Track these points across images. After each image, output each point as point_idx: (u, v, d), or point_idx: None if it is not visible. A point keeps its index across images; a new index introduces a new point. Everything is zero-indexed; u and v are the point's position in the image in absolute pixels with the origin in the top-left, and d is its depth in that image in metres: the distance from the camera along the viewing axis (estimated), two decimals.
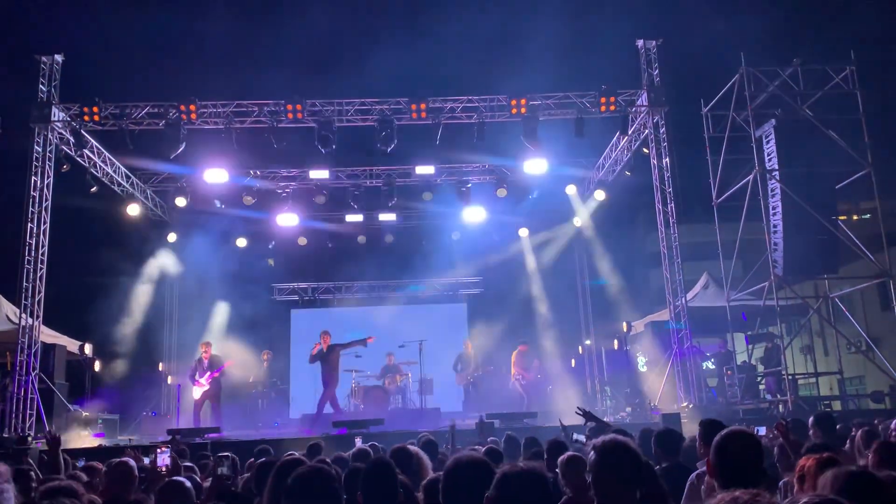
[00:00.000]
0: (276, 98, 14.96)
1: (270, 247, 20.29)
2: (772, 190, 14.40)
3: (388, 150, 15.04)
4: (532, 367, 17.06)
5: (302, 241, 19.98)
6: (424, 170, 17.20)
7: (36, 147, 14.53)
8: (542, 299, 20.45)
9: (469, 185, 18.17)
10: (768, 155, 14.46)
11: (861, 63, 14.71)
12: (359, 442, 9.06)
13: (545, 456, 5.44)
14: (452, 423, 9.34)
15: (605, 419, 6.50)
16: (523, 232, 20.79)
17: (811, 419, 6.45)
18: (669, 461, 5.09)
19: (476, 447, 6.31)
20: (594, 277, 21.00)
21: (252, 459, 6.84)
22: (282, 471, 3.68)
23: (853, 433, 6.10)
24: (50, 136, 14.71)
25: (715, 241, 15.86)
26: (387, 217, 19.26)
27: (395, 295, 22.30)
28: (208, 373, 14.67)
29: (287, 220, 18.99)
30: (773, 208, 14.34)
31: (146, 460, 7.14)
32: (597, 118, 15.31)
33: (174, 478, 4.12)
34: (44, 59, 14.71)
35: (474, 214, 19.44)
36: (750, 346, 16.37)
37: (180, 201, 17.49)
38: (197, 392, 14.77)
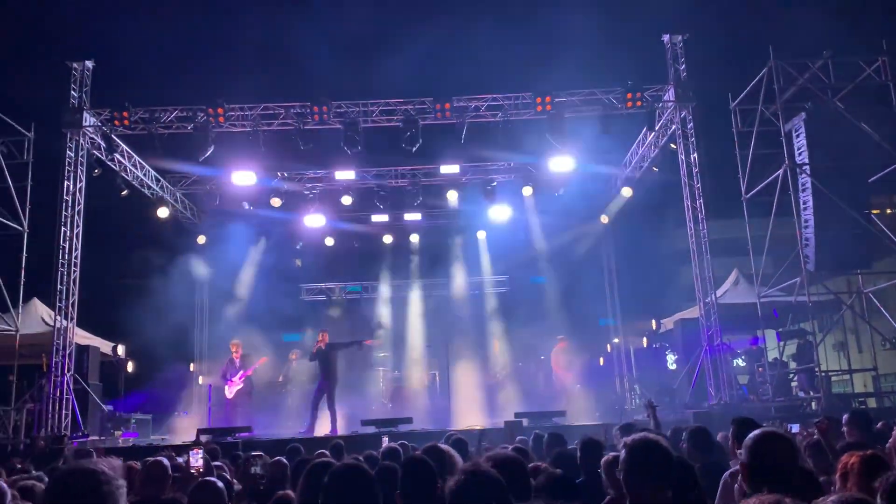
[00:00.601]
0: (302, 100, 15.07)
1: (298, 247, 20.44)
2: (802, 184, 14.18)
3: (414, 149, 15.08)
4: (571, 365, 16.73)
5: (329, 241, 20.11)
6: (449, 169, 17.20)
7: (68, 152, 14.79)
8: (570, 298, 20.32)
9: (494, 184, 18.14)
10: (798, 149, 14.24)
11: (894, 54, 14.42)
12: (386, 441, 9.10)
13: (578, 454, 5.41)
14: (481, 427, 9.38)
15: (635, 419, 6.43)
16: (550, 230, 20.67)
17: (845, 417, 6.33)
18: (702, 459, 5.04)
19: (504, 447, 6.31)
20: (621, 275, 20.84)
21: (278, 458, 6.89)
22: (314, 471, 3.70)
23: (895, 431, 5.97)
24: (81, 140, 14.97)
25: (745, 236, 15.65)
26: (412, 217, 19.29)
27: (421, 294, 22.33)
28: (241, 371, 14.80)
29: (314, 220, 19.14)
30: (804, 203, 14.12)
31: (180, 460, 7.25)
32: (623, 114, 15.20)
33: (207, 478, 4.17)
34: (75, 65, 14.98)
35: (500, 213, 19.42)
36: (781, 343, 16.14)
37: (209, 204, 17.69)
38: (230, 391, 14.92)
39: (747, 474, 2.92)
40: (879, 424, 7.75)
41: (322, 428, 13.71)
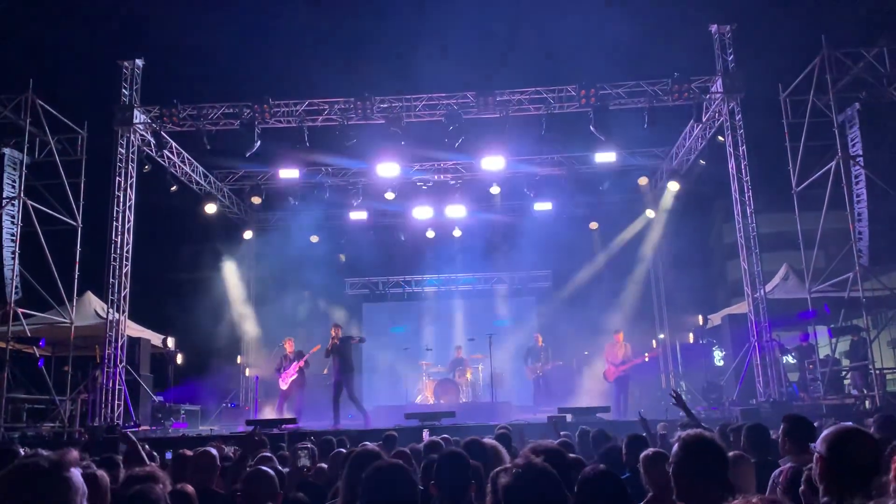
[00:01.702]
0: (346, 96, 15.18)
1: (342, 242, 20.63)
2: (856, 176, 13.79)
3: (457, 144, 15.08)
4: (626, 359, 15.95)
5: (372, 236, 20.25)
6: (493, 163, 17.16)
7: (119, 149, 15.16)
8: (614, 293, 20.11)
9: (538, 178, 18.04)
10: (852, 140, 13.85)
11: None
12: (426, 435, 9.14)
13: (623, 451, 5.35)
14: (521, 426, 9.37)
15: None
16: (593, 224, 20.46)
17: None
18: (759, 457, 4.94)
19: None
20: (667, 270, 20.54)
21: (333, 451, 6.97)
22: (356, 462, 3.74)
23: None
24: (132, 137, 15.32)
25: (795, 230, 15.28)
26: (455, 211, 19.30)
27: (465, 288, 22.35)
28: (294, 363, 15.02)
29: (358, 215, 19.30)
30: (858, 196, 13.73)
31: (227, 450, 7.40)
32: (669, 106, 14.97)
33: (259, 467, 4.24)
34: (125, 64, 15.33)
35: (543, 208, 19.30)
36: (833, 340, 15.74)
37: (256, 199, 17.96)
38: (284, 383, 15.17)
39: (825, 469, 2.82)
40: None
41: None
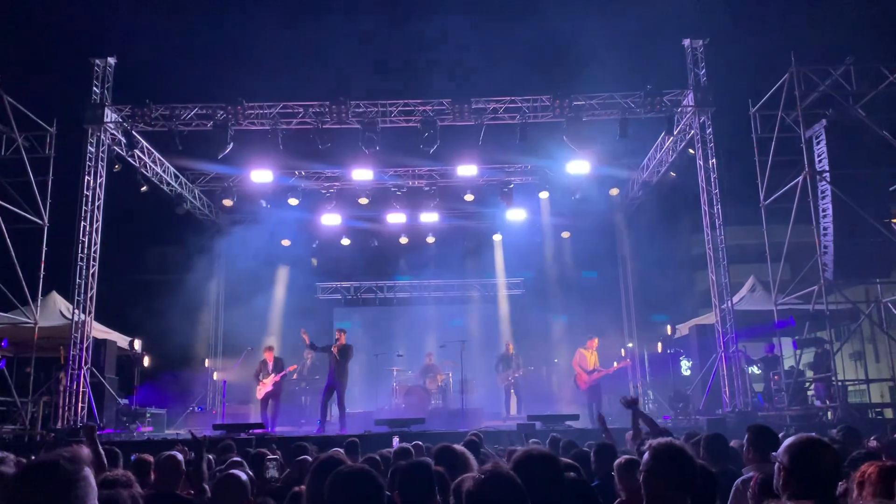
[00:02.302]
0: (320, 100, 15.15)
1: (314, 246, 20.52)
2: (822, 192, 14.06)
3: (431, 150, 15.11)
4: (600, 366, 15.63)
5: (345, 241, 20.19)
6: (467, 170, 17.21)
7: (89, 147, 14.95)
8: (584, 301, 20.26)
9: (511, 186, 18.14)
10: (819, 156, 14.12)
11: None
12: (396, 441, 9.11)
13: (592, 458, 5.41)
14: (477, 433, 9.38)
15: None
16: (565, 234, 20.63)
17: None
18: (718, 466, 5.02)
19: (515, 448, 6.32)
20: (637, 280, 20.76)
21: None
22: (321, 468, 3.70)
23: None
24: (103, 136, 15.12)
25: (762, 243, 15.55)
26: (429, 217, 19.32)
27: (437, 295, 22.36)
28: (273, 374, 14.91)
29: (330, 219, 19.23)
30: (824, 210, 14.00)
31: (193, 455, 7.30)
32: (641, 119, 15.16)
33: (231, 472, 4.19)
34: (97, 61, 15.15)
35: (516, 215, 19.41)
36: (798, 351, 16.01)
37: (227, 202, 17.82)
38: (260, 392, 15.07)
39: (786, 479, 2.87)
40: None
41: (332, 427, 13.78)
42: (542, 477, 2.86)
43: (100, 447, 5.47)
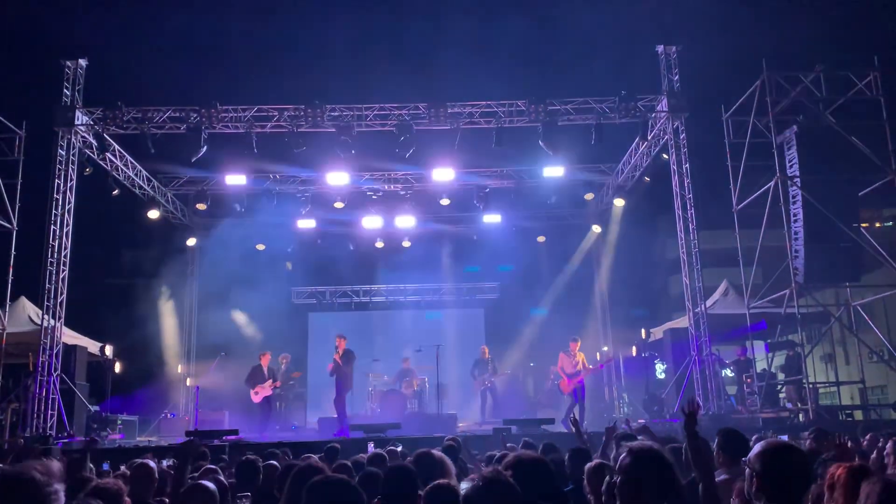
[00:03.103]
0: (296, 103, 15.06)
1: (289, 250, 20.37)
2: (793, 196, 14.26)
3: (407, 154, 15.09)
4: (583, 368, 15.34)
5: (320, 244, 20.07)
6: (443, 175, 17.20)
7: (59, 150, 14.71)
8: (560, 305, 20.35)
9: (487, 191, 18.17)
10: (790, 161, 14.33)
11: (885, 69, 14.53)
12: (371, 447, 9.06)
13: (566, 463, 5.41)
14: (463, 436, 9.36)
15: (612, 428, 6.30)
16: (541, 238, 20.70)
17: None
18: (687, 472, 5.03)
19: (492, 453, 6.31)
20: (611, 284, 20.89)
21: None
22: (298, 477, 3.65)
23: (881, 443, 6.01)
24: (73, 139, 14.89)
25: (735, 247, 15.71)
26: (405, 222, 19.28)
27: (412, 299, 22.32)
28: (269, 381, 14.93)
29: (306, 223, 19.12)
30: (795, 215, 14.20)
31: (164, 463, 7.20)
32: (616, 124, 15.27)
33: (200, 481, 4.13)
34: (68, 63, 14.92)
35: (492, 220, 19.45)
36: (770, 354, 16.21)
37: (200, 205, 17.64)
38: (257, 397, 15.06)
39: (760, 485, 2.88)
40: (867, 437, 7.80)
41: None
42: (533, 481, 2.86)
43: (88, 461, 5.40)
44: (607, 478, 3.27)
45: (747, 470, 2.92)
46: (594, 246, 20.91)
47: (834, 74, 14.70)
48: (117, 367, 17.67)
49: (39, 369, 13.89)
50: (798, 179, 14.06)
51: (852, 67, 14.88)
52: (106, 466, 6.06)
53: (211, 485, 4.00)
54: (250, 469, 5.68)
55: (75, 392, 14.77)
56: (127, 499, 3.52)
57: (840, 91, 14.71)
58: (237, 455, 7.63)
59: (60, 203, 14.61)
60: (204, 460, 6.77)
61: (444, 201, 18.29)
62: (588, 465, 4.25)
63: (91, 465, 6.68)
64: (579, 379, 15.04)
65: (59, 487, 1.93)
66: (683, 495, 3.03)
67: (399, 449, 7.73)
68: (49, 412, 13.80)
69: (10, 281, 14.70)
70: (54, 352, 14.16)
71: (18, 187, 15.09)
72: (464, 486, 2.66)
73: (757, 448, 2.94)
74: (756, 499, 2.86)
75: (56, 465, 2.00)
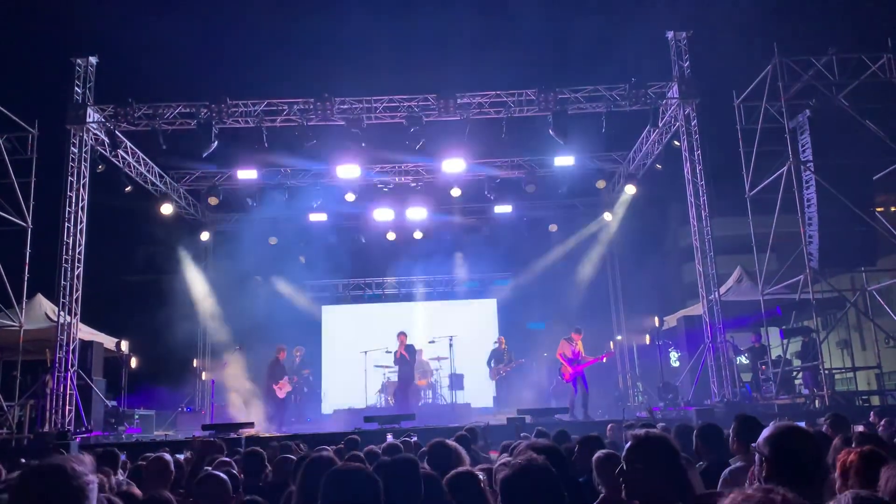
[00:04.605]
0: (305, 96, 15.07)
1: (301, 244, 20.43)
2: (806, 181, 14.14)
3: (417, 146, 15.08)
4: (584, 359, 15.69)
5: (332, 238, 20.12)
6: (453, 165, 17.18)
7: (72, 148, 14.81)
8: (573, 295, 20.32)
9: (498, 181, 18.13)
10: (803, 146, 14.19)
11: None
12: (390, 438, 9.12)
13: (576, 452, 5.39)
14: (486, 424, 9.39)
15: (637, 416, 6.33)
16: (553, 227, 20.63)
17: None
18: (712, 456, 5.01)
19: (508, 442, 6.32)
20: (624, 273, 20.84)
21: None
22: (311, 468, 3.66)
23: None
24: (85, 137, 14.98)
25: (748, 234, 15.62)
26: (416, 213, 19.29)
27: (425, 291, 22.35)
28: (286, 376, 15.30)
29: (317, 217, 19.17)
30: (808, 200, 14.08)
31: (180, 456, 7.27)
32: (626, 111, 15.17)
33: (212, 472, 4.17)
34: (79, 61, 14.99)
35: (503, 210, 19.42)
36: (785, 341, 16.11)
37: (213, 200, 17.71)
38: (280, 392, 15.44)
39: (769, 469, 2.86)
40: (883, 422, 7.76)
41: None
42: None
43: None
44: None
45: (756, 455, 2.90)
46: (607, 234, 20.82)
47: (846, 58, 14.52)
48: (133, 363, 17.82)
49: (57, 365, 14.03)
50: (811, 164, 13.93)
51: (865, 50, 14.70)
52: (123, 457, 6.16)
53: (223, 475, 4.04)
54: (256, 460, 5.77)
55: (92, 387, 14.90)
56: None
57: (853, 74, 14.54)
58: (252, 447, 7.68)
59: (74, 200, 14.72)
60: (220, 453, 6.81)
61: (455, 192, 18.28)
62: (596, 456, 4.21)
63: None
64: (580, 368, 14.88)
65: (94, 479, 1.96)
66: (689, 482, 3.02)
67: (414, 439, 7.77)
68: (67, 408, 13.93)
69: (26, 279, 14.83)
70: (71, 348, 14.29)
71: (32, 186, 15.19)
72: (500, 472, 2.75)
73: (765, 432, 2.91)
74: (766, 484, 2.83)
75: (89, 458, 2.04)
